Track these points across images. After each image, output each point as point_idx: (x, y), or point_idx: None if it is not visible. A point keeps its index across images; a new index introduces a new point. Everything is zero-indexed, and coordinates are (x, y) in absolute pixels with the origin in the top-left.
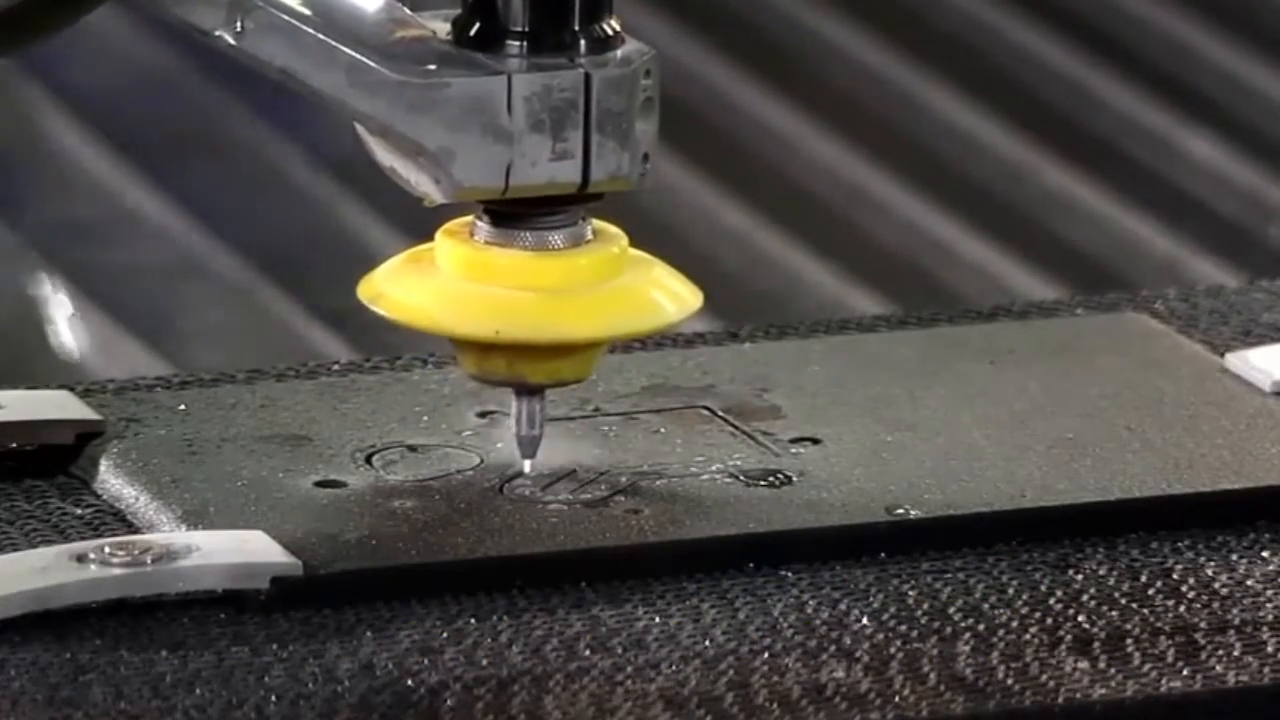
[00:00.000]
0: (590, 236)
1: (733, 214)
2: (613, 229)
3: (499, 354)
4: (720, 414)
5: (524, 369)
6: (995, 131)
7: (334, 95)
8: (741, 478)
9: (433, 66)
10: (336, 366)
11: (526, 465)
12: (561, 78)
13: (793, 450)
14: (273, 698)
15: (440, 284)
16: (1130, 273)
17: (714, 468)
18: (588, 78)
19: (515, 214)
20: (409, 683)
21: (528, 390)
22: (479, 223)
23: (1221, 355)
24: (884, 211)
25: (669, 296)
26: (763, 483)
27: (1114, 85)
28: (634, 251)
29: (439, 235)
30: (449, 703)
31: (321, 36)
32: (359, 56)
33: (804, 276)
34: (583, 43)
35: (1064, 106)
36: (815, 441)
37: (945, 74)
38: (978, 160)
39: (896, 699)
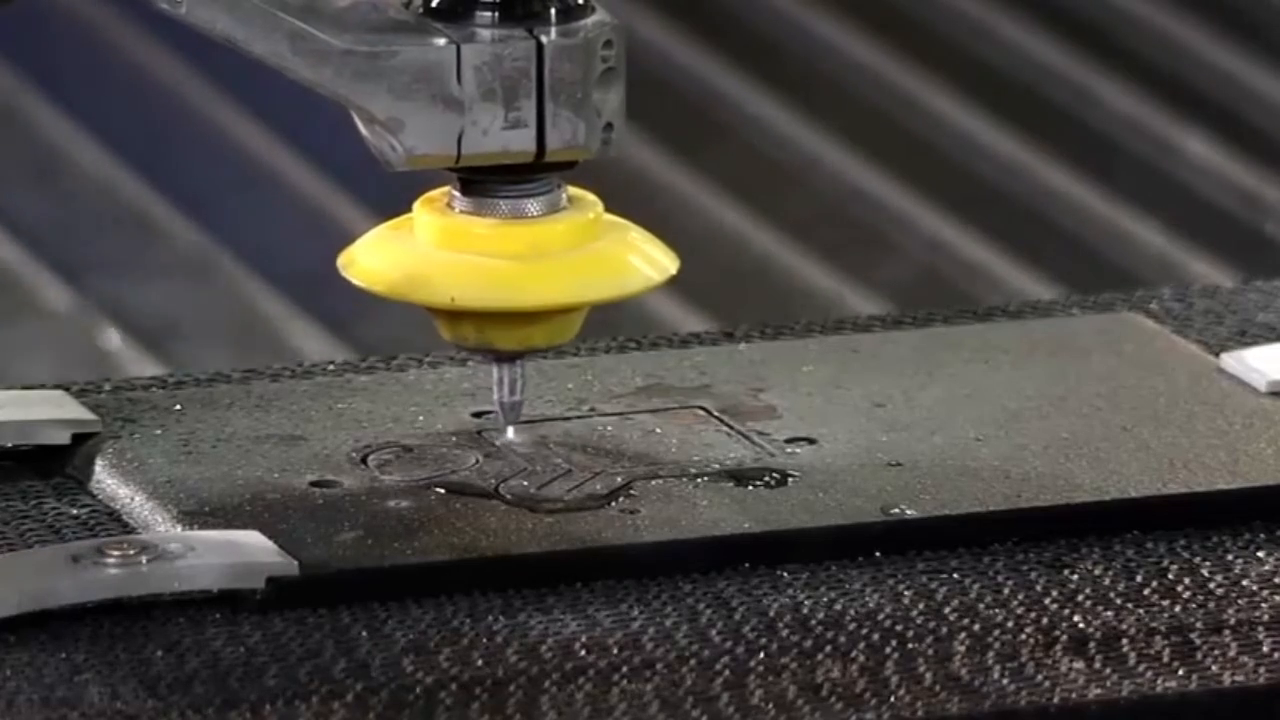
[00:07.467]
0: (565, 204)
1: (729, 214)
2: (589, 196)
3: (467, 321)
4: (716, 414)
5: (492, 335)
6: (993, 131)
7: (276, 64)
8: (737, 478)
9: (380, 35)
10: (332, 366)
11: (510, 432)
12: (513, 47)
13: (788, 450)
14: (268, 698)
15: (406, 252)
16: (1126, 272)
17: (710, 468)
18: (540, 46)
19: (487, 182)
20: (404, 683)
21: (504, 357)
22: (455, 191)
23: (1217, 355)
24: (881, 211)
25: (646, 261)
26: (758, 483)
27: (1112, 85)
28: (609, 217)
29: (416, 205)
30: (444, 703)
31: (261, 3)
32: (302, 24)
33: (800, 276)
34: (536, 12)
35: (1062, 106)
36: (811, 441)
37: (944, 74)
38: (975, 159)
39: (892, 699)
